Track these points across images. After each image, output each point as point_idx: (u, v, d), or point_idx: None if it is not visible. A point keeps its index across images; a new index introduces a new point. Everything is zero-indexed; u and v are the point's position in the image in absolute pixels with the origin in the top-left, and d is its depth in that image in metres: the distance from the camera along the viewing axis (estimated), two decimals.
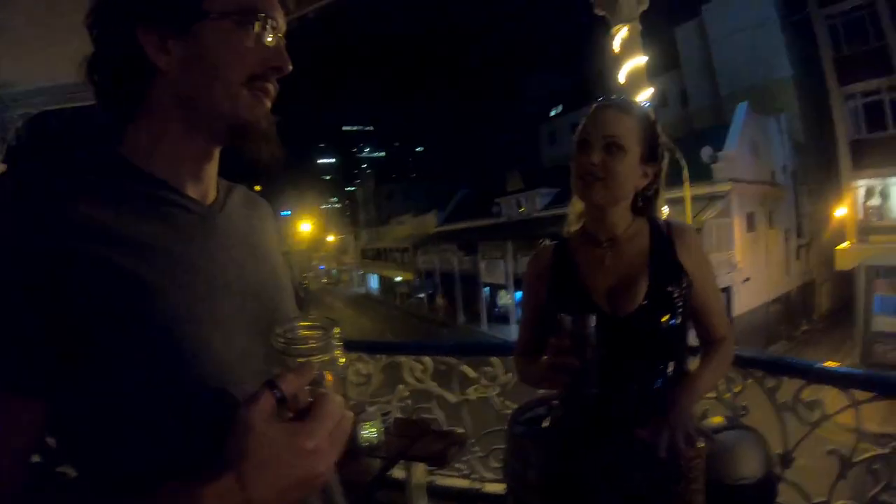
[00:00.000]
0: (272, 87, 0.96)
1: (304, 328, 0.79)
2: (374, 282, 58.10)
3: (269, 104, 0.96)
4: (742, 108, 23.63)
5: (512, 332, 29.02)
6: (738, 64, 28.66)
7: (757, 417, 2.41)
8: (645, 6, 3.82)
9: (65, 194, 0.80)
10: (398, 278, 49.40)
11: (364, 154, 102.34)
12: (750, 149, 23.55)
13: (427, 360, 3.64)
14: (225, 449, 0.71)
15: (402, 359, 3.72)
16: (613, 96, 1.84)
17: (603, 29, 3.94)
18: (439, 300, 38.78)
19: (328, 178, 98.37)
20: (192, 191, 0.95)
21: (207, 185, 0.99)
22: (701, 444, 1.55)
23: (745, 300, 21.53)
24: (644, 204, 1.76)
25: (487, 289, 33.54)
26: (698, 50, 31.55)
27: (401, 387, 3.71)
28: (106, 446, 0.81)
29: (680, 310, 1.63)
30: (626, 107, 1.71)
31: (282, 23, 0.97)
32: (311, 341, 0.77)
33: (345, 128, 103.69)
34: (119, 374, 0.78)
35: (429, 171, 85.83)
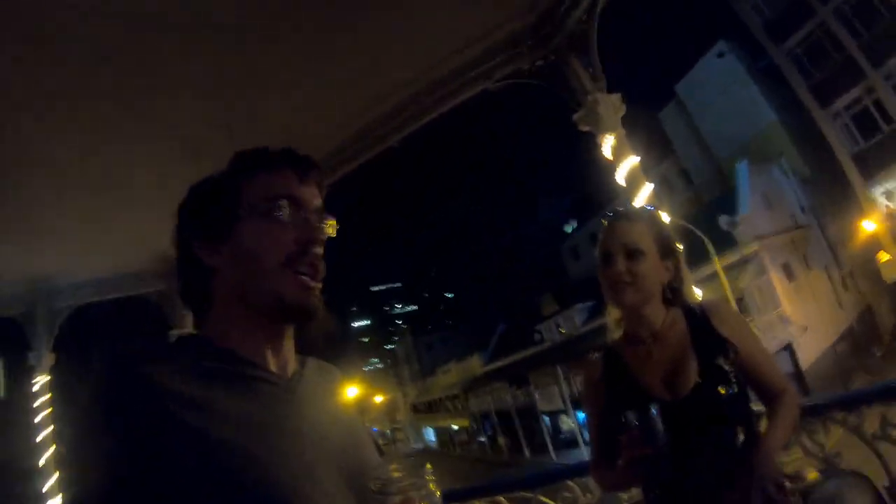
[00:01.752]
0: (316, 262, 1.08)
1: (395, 469, 0.87)
2: (430, 434, 56.76)
3: (314, 283, 1.08)
4: (743, 167, 23.93)
5: (582, 455, 27.83)
6: (725, 127, 29.41)
7: (855, 457, 2.35)
8: (622, 112, 4.06)
9: (164, 370, 0.92)
10: (454, 426, 48.30)
11: (396, 310, 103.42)
12: (763, 202, 23.57)
13: (502, 500, 3.50)
14: None
15: (476, 503, 3.58)
16: (620, 208, 2.09)
17: (593, 141, 4.13)
18: (500, 440, 37.61)
19: (366, 339, 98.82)
20: (272, 364, 1.07)
21: (286, 357, 1.11)
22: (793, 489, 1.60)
23: (810, 350, 20.78)
24: (673, 295, 1.88)
25: (547, 418, 32.56)
26: (685, 128, 32.51)
27: None
28: None
29: (734, 379, 1.70)
30: (635, 214, 1.94)
31: (311, 199, 1.12)
32: (406, 479, 0.84)
33: (373, 288, 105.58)
34: None
35: (463, 315, 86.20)
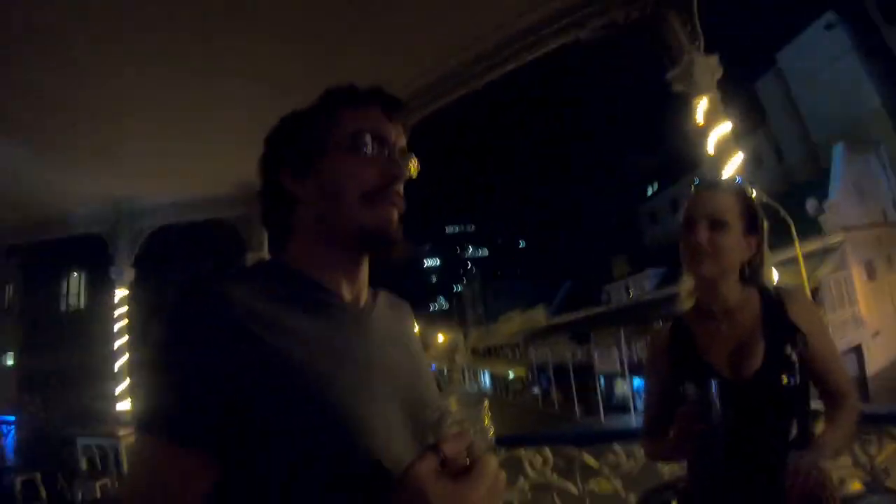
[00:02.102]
0: (396, 197, 1.11)
1: (455, 402, 0.92)
2: (486, 379, 57.53)
3: (393, 213, 1.11)
4: (838, 151, 22.57)
5: (631, 421, 27.75)
6: (825, 105, 27.71)
7: None
8: (720, 74, 3.91)
9: (242, 291, 0.96)
10: (511, 374, 48.76)
11: (468, 254, 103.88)
12: (855, 191, 22.25)
13: (547, 451, 3.56)
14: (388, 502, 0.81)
15: (522, 451, 3.65)
16: (708, 176, 1.99)
17: (684, 103, 3.98)
18: (554, 394, 37.81)
19: (434, 279, 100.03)
20: (346, 293, 1.12)
21: (360, 288, 1.16)
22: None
23: (880, 356, 19.88)
24: (751, 273, 1.85)
25: (603, 379, 32.49)
26: (782, 100, 30.81)
27: (522, 480, 3.62)
28: None
29: (798, 370, 1.67)
30: (724, 185, 1.89)
31: (395, 137, 1.15)
32: (463, 412, 0.89)
33: (447, 229, 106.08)
34: (287, 445, 0.89)
35: (533, 265, 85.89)
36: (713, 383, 1.52)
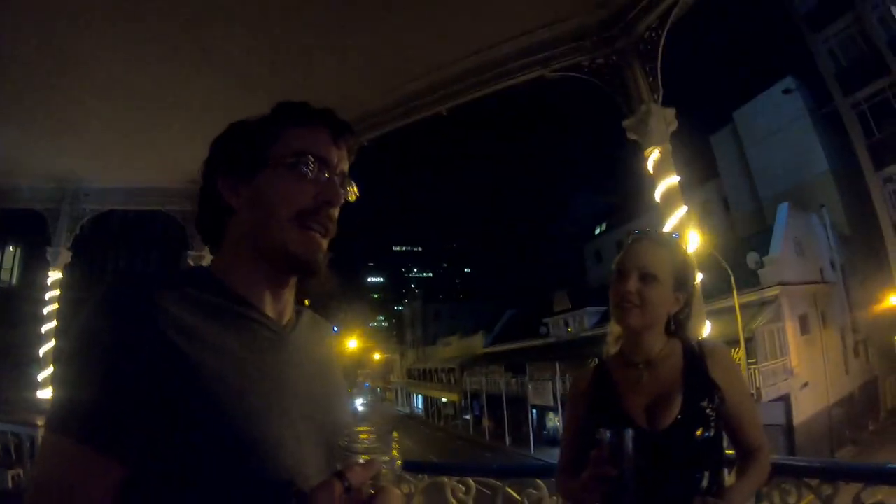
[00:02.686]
0: (327, 222, 1.12)
1: (365, 431, 0.92)
2: (418, 402, 57.29)
3: (321, 239, 1.11)
4: (783, 209, 23.51)
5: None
6: (775, 165, 28.89)
7: None
8: (674, 127, 4.00)
9: (169, 297, 0.96)
10: (444, 399, 48.65)
11: (412, 274, 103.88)
12: (795, 249, 23.20)
13: (470, 481, 3.52)
14: None
15: (445, 480, 3.61)
16: (648, 229, 2.00)
17: (637, 150, 4.07)
18: (485, 422, 37.88)
19: (376, 296, 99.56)
20: (269, 309, 1.11)
21: (283, 305, 1.15)
22: None
23: (806, 406, 20.59)
24: (677, 327, 1.88)
25: (535, 411, 32.69)
26: (735, 156, 31.94)
27: None
28: None
29: (713, 424, 1.70)
30: (660, 240, 1.90)
31: (338, 160, 1.16)
32: (374, 441, 0.89)
33: (394, 247, 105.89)
34: (197, 458, 0.88)
35: (476, 292, 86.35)
36: (628, 431, 1.51)
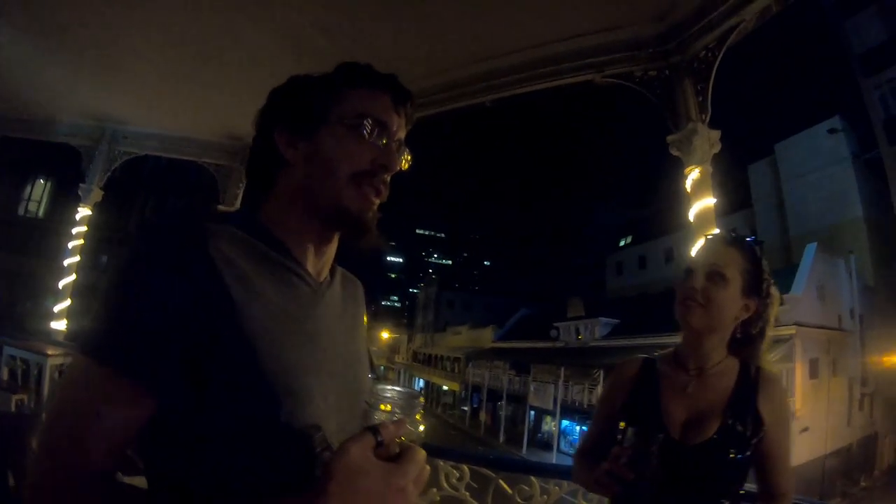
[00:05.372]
0: (381, 185, 1.14)
1: (394, 392, 0.92)
2: (419, 386, 57.50)
3: (374, 199, 1.13)
4: (811, 250, 23.14)
5: (553, 460, 27.93)
6: (809, 203, 28.49)
7: None
8: (717, 149, 3.98)
9: (220, 233, 0.99)
10: (445, 387, 48.75)
11: (432, 259, 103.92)
12: (817, 292, 22.82)
13: (465, 468, 3.56)
14: (321, 476, 0.81)
15: (441, 463, 3.65)
16: (725, 231, 1.94)
17: (677, 167, 4.05)
18: (482, 416, 37.94)
19: (393, 276, 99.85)
20: (311, 264, 1.15)
21: (324, 262, 1.19)
22: None
23: (802, 451, 20.25)
24: (743, 341, 1.78)
25: (533, 413, 32.68)
26: (770, 189, 31.52)
27: (434, 490, 3.61)
28: (195, 463, 0.90)
29: (747, 453, 1.63)
30: (732, 239, 1.81)
31: (397, 128, 1.18)
32: (400, 402, 0.90)
33: (418, 230, 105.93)
34: (227, 400, 0.90)
35: (492, 286, 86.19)
36: (657, 437, 1.49)
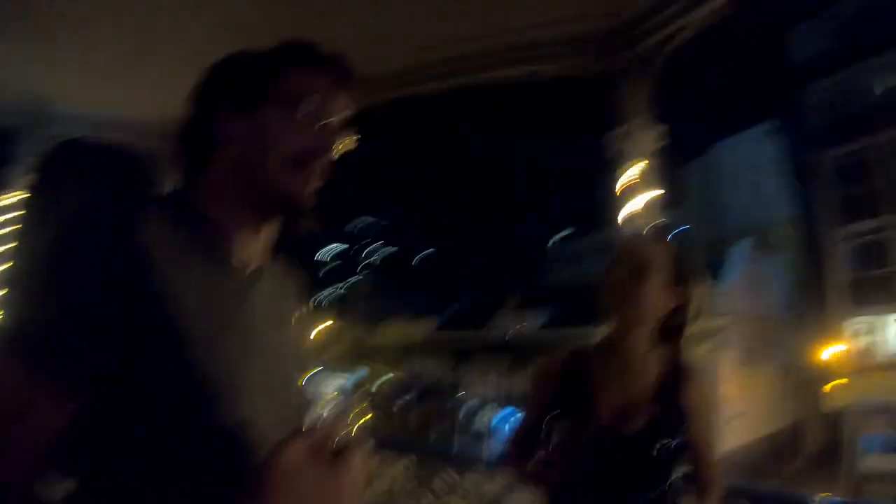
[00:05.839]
0: (319, 168, 1.08)
1: (337, 382, 0.73)
2: (352, 377, 57.35)
3: (311, 183, 1.08)
4: (745, 243, 24.15)
5: (481, 452, 28.29)
6: (743, 203, 29.49)
7: None
8: (661, 143, 4.12)
9: (151, 214, 0.93)
10: (381, 378, 48.66)
11: (375, 245, 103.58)
12: (750, 283, 23.98)
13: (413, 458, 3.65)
14: (253, 480, 0.77)
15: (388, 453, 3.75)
16: (654, 224, 2.04)
17: (618, 163, 4.11)
18: (415, 407, 37.96)
19: (334, 263, 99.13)
20: (244, 251, 1.08)
21: (257, 250, 1.12)
22: None
23: (735, 436, 21.23)
24: (668, 331, 1.81)
25: (472, 402, 32.83)
26: (705, 187, 32.39)
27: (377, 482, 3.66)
28: (121, 464, 0.84)
29: (675, 442, 1.66)
30: (655, 233, 1.94)
31: (343, 108, 1.11)
32: (345, 394, 0.70)
33: (361, 216, 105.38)
34: (153, 397, 0.85)
35: (434, 276, 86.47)
36: (591, 429, 1.54)
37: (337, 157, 1.11)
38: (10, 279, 0.91)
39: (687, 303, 1.80)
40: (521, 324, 33.20)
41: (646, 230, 1.80)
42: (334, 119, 1.10)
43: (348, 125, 1.14)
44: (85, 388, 0.82)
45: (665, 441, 1.65)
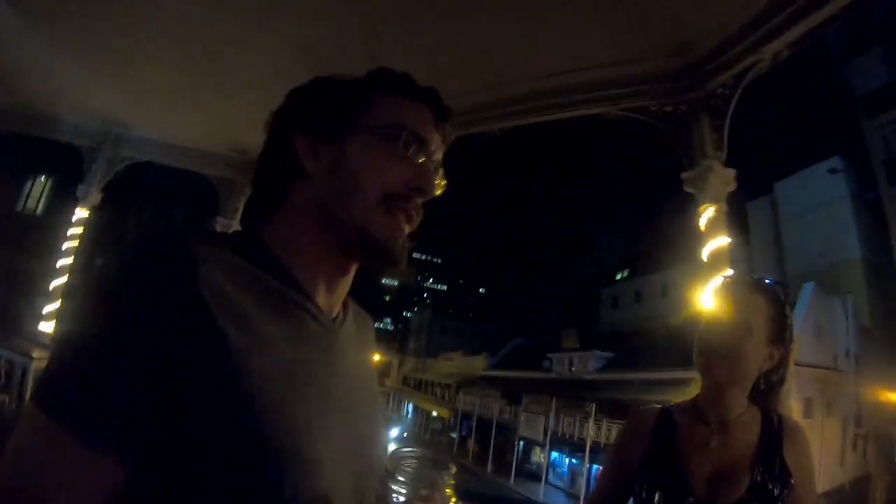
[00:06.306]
0: (413, 210, 0.96)
1: (424, 460, 0.82)
2: (408, 410, 57.03)
3: (406, 227, 0.96)
4: (808, 289, 23.18)
5: (541, 491, 27.75)
6: (807, 242, 28.59)
7: None
8: (732, 188, 3.94)
9: (213, 261, 0.79)
10: (434, 413, 48.36)
11: (427, 284, 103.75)
12: (813, 331, 22.84)
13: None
14: None
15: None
16: (747, 274, 1.86)
17: (678, 203, 4.03)
18: (471, 444, 37.59)
19: (388, 298, 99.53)
20: (322, 299, 0.95)
21: (337, 297, 0.99)
22: None
23: None
24: (766, 390, 1.67)
25: (522, 443, 32.40)
26: (769, 226, 31.60)
27: None
28: None
29: None
30: (757, 285, 1.68)
31: (435, 147, 1.00)
32: (436, 475, 0.79)
33: (414, 254, 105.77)
34: (217, 469, 0.72)
35: (486, 313, 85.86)
36: (687, 502, 1.39)
37: (436, 197, 0.99)
38: (66, 318, 0.76)
39: (787, 358, 1.66)
40: (574, 366, 32.74)
41: (745, 281, 1.64)
42: (430, 156, 0.99)
43: (440, 167, 1.03)
44: (134, 455, 0.71)
45: None
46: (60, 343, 0.74)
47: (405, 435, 37.89)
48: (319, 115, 0.96)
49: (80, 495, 0.69)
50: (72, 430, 0.68)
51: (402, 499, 0.76)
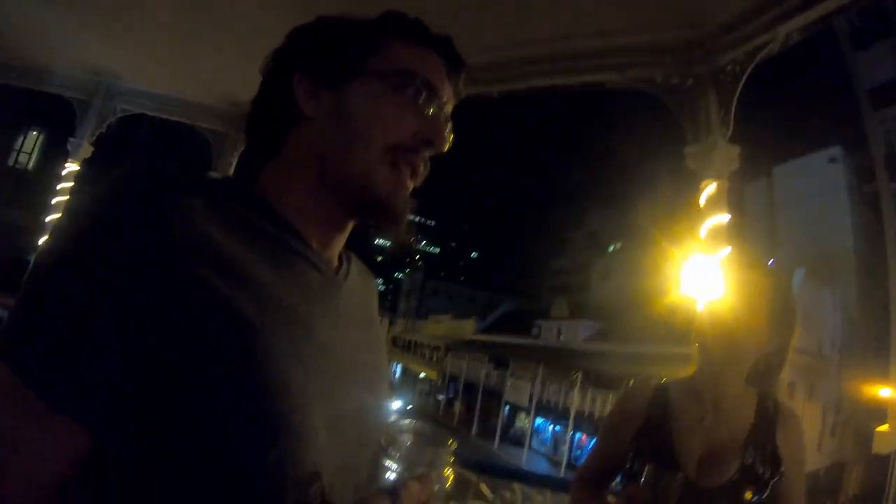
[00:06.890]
0: (420, 165, 0.88)
1: (422, 436, 0.72)
2: (397, 371, 57.62)
3: (409, 183, 0.88)
4: (798, 275, 23.32)
5: (522, 457, 28.15)
6: (801, 229, 28.61)
7: None
8: (735, 166, 3.87)
9: (200, 208, 0.71)
10: (422, 374, 48.79)
11: (420, 246, 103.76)
12: (800, 317, 23.03)
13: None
14: None
15: None
16: (762, 259, 1.82)
17: (676, 178, 3.98)
18: (457, 406, 38.02)
19: (380, 258, 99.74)
20: (318, 248, 0.87)
21: (334, 251, 0.91)
22: None
23: None
24: (764, 372, 1.65)
25: (508, 407, 32.78)
26: (764, 210, 31.61)
27: None
28: None
29: (766, 494, 1.49)
30: (763, 270, 1.68)
31: (447, 99, 0.92)
32: (435, 453, 0.71)
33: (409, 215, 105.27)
34: (193, 433, 0.65)
35: (478, 277, 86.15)
36: (679, 477, 1.36)
37: (445, 152, 0.91)
38: (32, 264, 0.69)
39: (787, 343, 1.66)
40: (563, 335, 32.99)
41: (752, 263, 1.59)
42: (441, 107, 0.90)
43: (449, 120, 0.93)
44: (103, 418, 0.64)
45: (751, 495, 1.49)
46: (24, 286, 0.67)
47: (409, 408, 37.96)
48: (322, 56, 0.88)
49: (41, 457, 0.63)
50: (30, 383, 0.61)
51: (395, 476, 0.68)
